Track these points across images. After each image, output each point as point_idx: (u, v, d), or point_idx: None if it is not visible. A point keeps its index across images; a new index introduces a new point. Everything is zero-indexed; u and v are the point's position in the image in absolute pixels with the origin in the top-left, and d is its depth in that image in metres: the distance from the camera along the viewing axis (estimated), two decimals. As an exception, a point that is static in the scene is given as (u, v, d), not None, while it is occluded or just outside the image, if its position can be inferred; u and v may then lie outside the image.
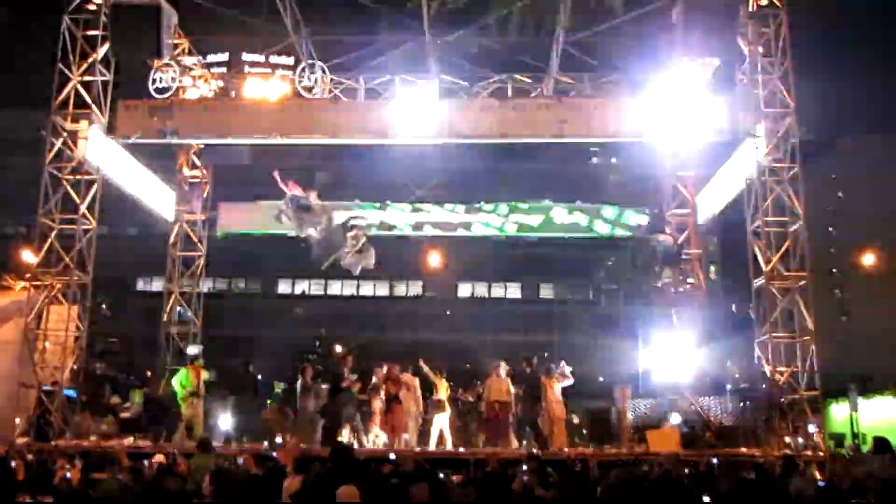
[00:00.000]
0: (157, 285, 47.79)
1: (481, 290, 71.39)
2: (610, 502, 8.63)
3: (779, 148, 18.89)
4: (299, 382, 18.05)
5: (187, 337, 23.80)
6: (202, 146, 23.85)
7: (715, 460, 15.11)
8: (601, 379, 33.43)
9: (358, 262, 19.96)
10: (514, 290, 72.46)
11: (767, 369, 18.39)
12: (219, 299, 46.30)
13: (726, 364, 20.63)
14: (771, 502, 7.85)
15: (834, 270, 65.45)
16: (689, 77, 19.73)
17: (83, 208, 19.22)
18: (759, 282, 18.90)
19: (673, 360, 22.64)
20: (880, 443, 16.73)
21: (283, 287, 70.93)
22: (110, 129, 19.42)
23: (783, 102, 19.00)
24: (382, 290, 71.67)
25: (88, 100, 19.47)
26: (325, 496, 7.74)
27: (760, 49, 19.16)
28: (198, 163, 24.45)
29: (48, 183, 19.26)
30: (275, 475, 9.92)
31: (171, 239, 24.34)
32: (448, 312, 65.16)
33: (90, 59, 19.57)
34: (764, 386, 18.34)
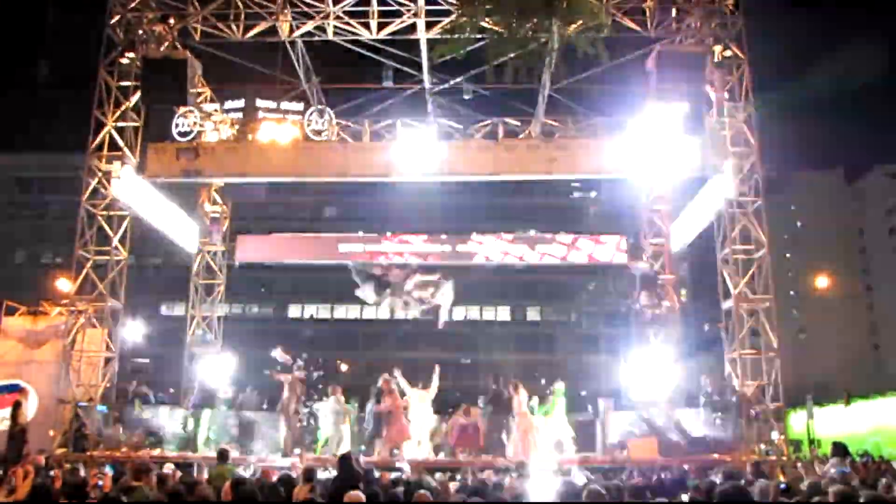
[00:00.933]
0: (178, 310, 47.98)
1: (473, 313, 71.39)
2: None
3: (744, 183, 18.97)
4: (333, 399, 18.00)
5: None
6: (223, 184, 23.94)
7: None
8: (583, 393, 33.19)
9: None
10: (503, 313, 72.51)
11: (737, 383, 18.37)
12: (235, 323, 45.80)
13: (699, 378, 20.55)
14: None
15: (791, 292, 65.93)
16: (662, 119, 19.88)
17: (116, 241, 19.22)
18: (728, 304, 18.94)
19: (650, 375, 22.63)
20: (838, 447, 16.82)
21: (294, 311, 70.96)
22: (141, 170, 19.42)
23: (747, 142, 19.14)
24: (384, 313, 71.50)
25: (121, 143, 19.57)
26: (332, 502, 7.71)
27: (726, 95, 19.28)
28: (218, 199, 24.49)
29: (84, 218, 19.29)
30: (286, 484, 9.89)
31: (195, 268, 24.35)
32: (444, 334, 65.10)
33: (123, 107, 19.68)
34: (734, 398, 18.32)
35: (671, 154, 19.28)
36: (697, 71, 18.66)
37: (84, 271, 19.07)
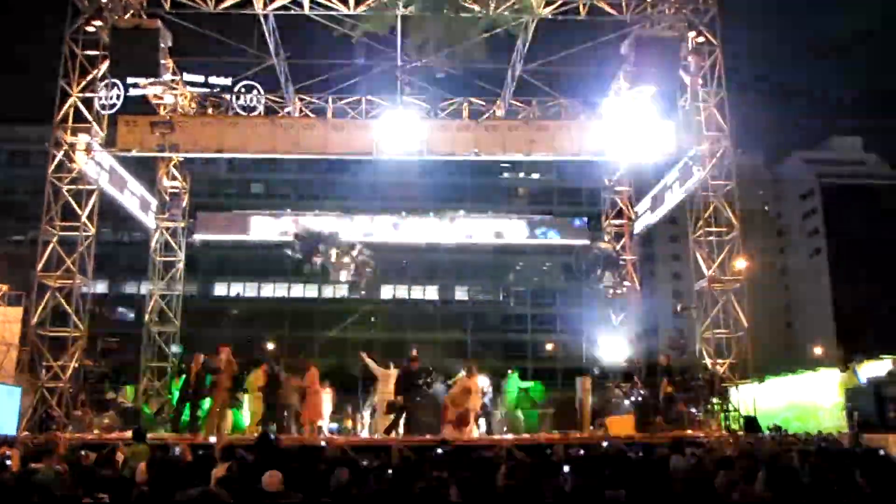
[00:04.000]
0: (141, 288, 47.17)
1: (402, 292, 71.36)
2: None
3: (716, 166, 19.43)
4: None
5: (169, 336, 23.24)
6: (182, 159, 23.31)
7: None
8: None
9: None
10: (431, 293, 72.61)
11: (709, 362, 18.91)
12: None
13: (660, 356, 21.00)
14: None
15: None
16: (637, 103, 20.19)
17: (84, 217, 18.51)
18: (701, 284, 19.43)
19: (614, 353, 23.17)
20: (748, 422, 17.52)
21: (220, 290, 69.58)
22: (110, 143, 18.73)
23: (719, 127, 19.57)
24: (312, 292, 70.91)
25: (87, 115, 18.79)
26: (250, 482, 7.64)
27: (700, 81, 19.67)
28: (177, 174, 23.83)
29: (50, 193, 18.51)
30: (205, 463, 9.77)
31: (153, 245, 23.70)
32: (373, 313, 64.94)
33: (89, 77, 18.88)
34: (703, 376, 18.87)
35: (647, 137, 19.56)
36: (673, 56, 19.03)
37: (49, 247, 18.30)
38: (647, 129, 19.56)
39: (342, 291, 68.62)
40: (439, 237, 24.67)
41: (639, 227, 24.06)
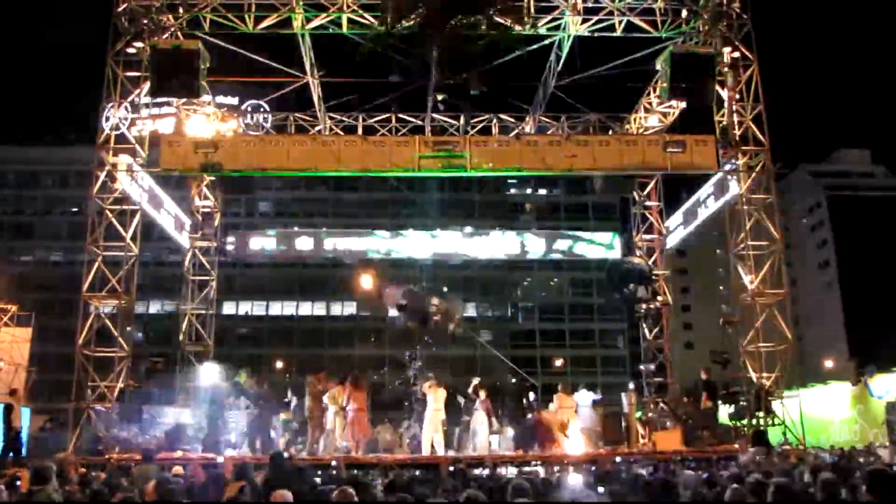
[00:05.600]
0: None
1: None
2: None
3: (755, 180, 19.54)
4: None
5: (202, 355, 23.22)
6: (213, 179, 23.38)
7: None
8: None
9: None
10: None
11: (754, 375, 18.91)
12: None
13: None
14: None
15: (721, 287, 68.09)
16: (664, 118, 20.37)
17: (128, 237, 18.57)
18: (744, 297, 19.46)
19: (653, 366, 23.17)
20: (757, 436, 17.42)
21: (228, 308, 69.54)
22: (153, 163, 18.81)
23: (757, 141, 19.68)
24: (320, 310, 71.02)
25: (129, 136, 18.89)
26: (261, 501, 7.57)
27: (737, 95, 19.79)
28: (209, 194, 23.90)
29: (94, 213, 18.61)
30: (216, 483, 9.62)
31: (186, 264, 23.76)
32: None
33: (130, 98, 19.00)
34: (749, 389, 18.87)
35: (686, 152, 19.61)
36: (708, 71, 19.17)
37: (94, 267, 18.35)
38: (685, 144, 19.56)
39: (350, 309, 68.95)
40: (465, 251, 24.78)
41: (671, 241, 24.12)
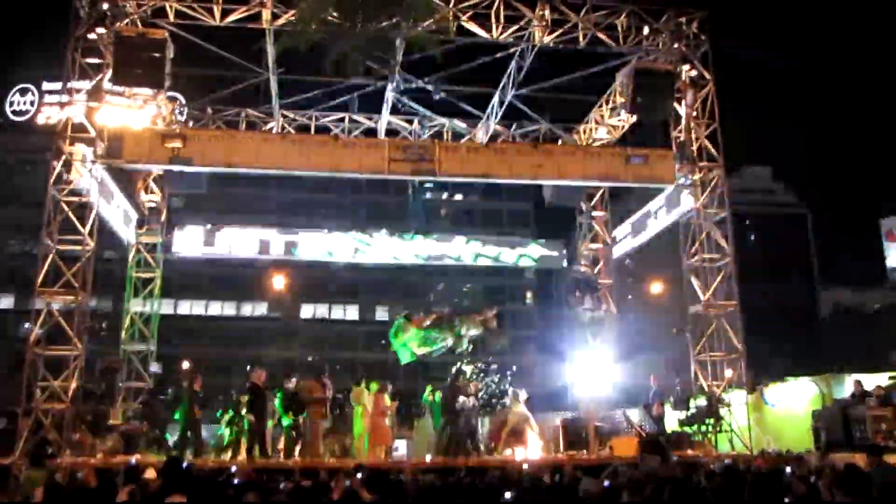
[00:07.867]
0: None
1: (322, 310, 70.69)
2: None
3: (710, 195, 20.34)
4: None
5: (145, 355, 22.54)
6: (161, 172, 22.70)
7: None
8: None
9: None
10: (352, 312, 71.91)
11: (705, 384, 19.65)
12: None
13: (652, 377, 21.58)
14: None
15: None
16: (634, 131, 20.98)
17: (86, 231, 17.91)
18: (696, 308, 20.19)
19: (592, 375, 23.65)
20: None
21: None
22: (114, 154, 18.13)
23: (711, 157, 20.47)
24: (230, 309, 69.56)
25: (88, 125, 18.25)
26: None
27: (694, 113, 20.54)
28: (155, 188, 23.22)
29: (51, 205, 17.86)
30: (108, 487, 9.61)
31: (130, 261, 23.04)
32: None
33: (90, 85, 18.38)
34: (703, 399, 19.58)
35: (646, 165, 20.22)
36: (669, 87, 19.89)
37: (48, 261, 17.63)
38: (645, 158, 20.16)
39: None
40: (409, 257, 24.68)
41: (618, 252, 24.78)
